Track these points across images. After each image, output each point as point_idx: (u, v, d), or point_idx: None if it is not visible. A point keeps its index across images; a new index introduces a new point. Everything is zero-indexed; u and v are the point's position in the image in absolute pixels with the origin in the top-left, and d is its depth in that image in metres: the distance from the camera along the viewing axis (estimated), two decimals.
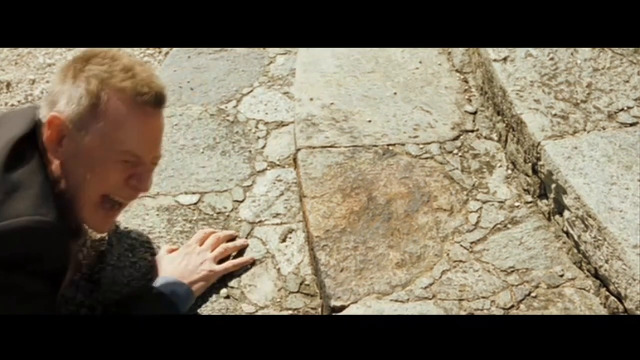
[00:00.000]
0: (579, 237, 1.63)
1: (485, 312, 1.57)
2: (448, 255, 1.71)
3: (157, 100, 1.54)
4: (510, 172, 1.92)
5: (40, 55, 3.00)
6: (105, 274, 1.79)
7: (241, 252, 1.86)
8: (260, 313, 1.67)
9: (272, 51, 2.56)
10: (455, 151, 2.00)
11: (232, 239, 1.89)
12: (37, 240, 1.39)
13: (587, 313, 1.57)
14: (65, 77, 1.51)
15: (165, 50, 2.95)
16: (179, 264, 1.76)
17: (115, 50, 1.57)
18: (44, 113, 1.52)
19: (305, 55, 2.43)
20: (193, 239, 1.84)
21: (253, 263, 1.83)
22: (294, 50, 2.54)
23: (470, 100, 2.19)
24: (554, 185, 1.70)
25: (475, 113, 2.14)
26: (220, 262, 1.81)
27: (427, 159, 1.96)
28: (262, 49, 2.56)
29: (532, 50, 2.06)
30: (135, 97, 1.50)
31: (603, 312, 1.57)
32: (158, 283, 1.70)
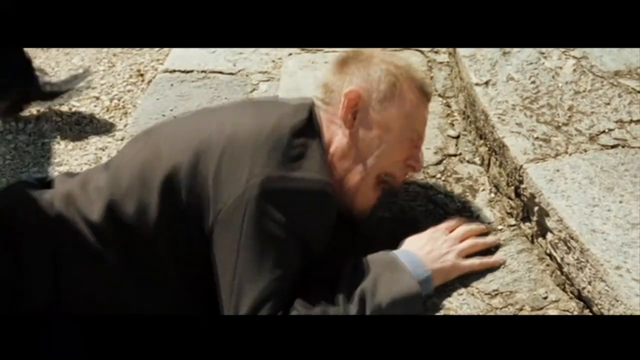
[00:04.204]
0: (562, 259, 1.62)
1: None
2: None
3: (430, 97, 1.80)
4: (493, 195, 1.92)
5: None
6: None
7: (490, 251, 1.73)
8: None
9: (254, 78, 2.57)
10: (438, 175, 2.00)
11: (484, 234, 1.76)
12: (319, 201, 1.50)
13: None
14: (345, 67, 1.71)
15: (148, 78, 2.96)
16: (421, 247, 1.64)
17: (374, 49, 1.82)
18: (320, 97, 1.72)
19: (287, 82, 2.44)
20: (442, 225, 1.73)
21: (503, 264, 1.70)
22: (276, 76, 2.55)
23: (453, 124, 2.20)
24: (536, 208, 1.70)
25: (457, 137, 2.14)
26: (467, 257, 1.68)
27: (410, 183, 1.95)
28: (244, 76, 2.57)
29: (514, 74, 2.07)
30: (422, 88, 1.74)
31: None
32: (399, 255, 1.61)
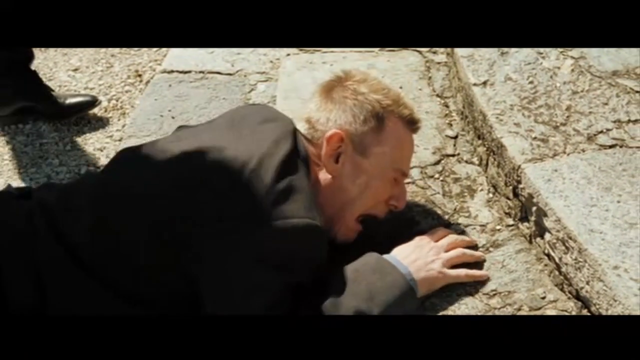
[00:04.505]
0: (560, 259, 1.62)
1: None
2: None
3: (419, 129, 1.77)
4: (491, 195, 1.92)
5: None
6: None
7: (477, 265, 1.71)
8: None
9: (252, 78, 2.57)
10: (437, 175, 2.00)
11: (471, 247, 1.75)
12: (305, 242, 1.45)
13: None
14: (329, 100, 1.68)
15: (146, 78, 2.96)
16: (406, 255, 1.62)
17: (364, 72, 1.80)
18: (306, 128, 1.70)
19: (285, 82, 2.44)
20: (428, 234, 1.73)
21: (488, 279, 1.67)
22: (274, 77, 2.55)
23: (451, 125, 2.20)
24: (534, 208, 1.70)
25: (455, 137, 2.14)
26: (452, 267, 1.66)
27: (408, 183, 1.95)
28: (242, 77, 2.57)
29: (512, 74, 2.07)
30: (409, 124, 1.71)
31: None
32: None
